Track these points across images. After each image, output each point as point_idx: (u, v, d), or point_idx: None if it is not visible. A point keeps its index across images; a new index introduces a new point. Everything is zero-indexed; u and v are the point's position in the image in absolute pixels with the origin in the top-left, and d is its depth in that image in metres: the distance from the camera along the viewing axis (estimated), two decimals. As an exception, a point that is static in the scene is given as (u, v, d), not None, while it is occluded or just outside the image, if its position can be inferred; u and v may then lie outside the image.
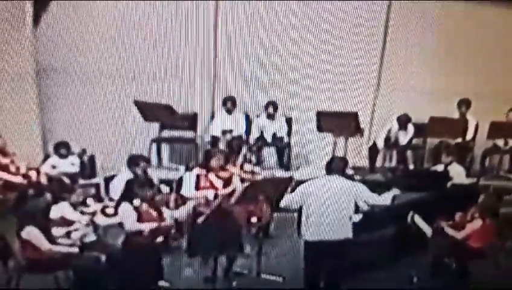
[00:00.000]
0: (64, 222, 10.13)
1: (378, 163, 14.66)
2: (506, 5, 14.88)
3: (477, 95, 14.68)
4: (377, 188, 10.72)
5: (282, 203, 10.08)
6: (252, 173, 12.15)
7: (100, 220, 10.51)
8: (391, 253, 11.36)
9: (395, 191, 10.45)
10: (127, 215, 9.60)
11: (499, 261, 11.03)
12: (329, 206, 9.64)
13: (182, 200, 10.97)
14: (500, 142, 14.59)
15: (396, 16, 14.95)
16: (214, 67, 14.82)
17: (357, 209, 10.02)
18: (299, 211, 10.01)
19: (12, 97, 13.77)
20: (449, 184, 12.53)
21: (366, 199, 9.86)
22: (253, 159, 13.40)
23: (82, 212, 10.51)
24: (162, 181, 11.55)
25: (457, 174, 12.85)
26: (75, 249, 9.86)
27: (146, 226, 9.57)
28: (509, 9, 14.92)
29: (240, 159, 12.34)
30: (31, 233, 9.56)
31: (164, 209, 10.02)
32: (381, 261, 11.12)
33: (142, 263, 9.54)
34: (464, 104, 14.65)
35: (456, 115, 14.72)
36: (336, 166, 9.97)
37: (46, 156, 13.40)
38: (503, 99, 14.74)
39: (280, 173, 13.55)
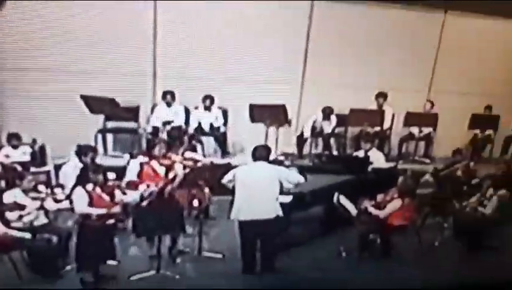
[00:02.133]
0: (17, 206, 9.59)
1: (306, 150, 14.55)
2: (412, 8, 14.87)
3: (393, 89, 14.70)
4: (305, 172, 10.70)
5: (223, 181, 9.96)
6: (193, 160, 11.73)
7: (50, 205, 10.03)
8: (321, 230, 11.23)
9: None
10: (80, 199, 9.21)
11: (419, 236, 10.98)
12: (255, 188, 9.59)
13: (128, 186, 10.51)
14: (415, 130, 14.64)
15: (317, 17, 14.74)
16: (154, 63, 14.43)
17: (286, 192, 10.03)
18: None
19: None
20: (370, 168, 12.41)
21: (287, 179, 9.73)
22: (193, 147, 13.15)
23: (33, 198, 9.98)
24: (108, 168, 11.05)
25: (377, 159, 12.85)
26: (27, 233, 9.42)
27: (97, 211, 9.20)
28: (414, 11, 14.94)
29: (182, 147, 11.91)
30: None
31: (116, 193, 9.62)
32: (312, 238, 10.99)
33: (95, 243, 9.17)
34: (381, 96, 14.65)
35: (374, 106, 14.65)
36: (259, 153, 9.89)
37: (0, 147, 12.84)
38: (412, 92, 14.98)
39: (218, 160, 13.20)
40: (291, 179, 9.80)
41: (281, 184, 9.70)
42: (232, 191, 9.92)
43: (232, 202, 9.89)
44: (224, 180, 9.89)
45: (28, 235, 9.37)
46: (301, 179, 9.94)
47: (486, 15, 15.05)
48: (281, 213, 9.60)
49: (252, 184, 9.60)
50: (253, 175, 9.69)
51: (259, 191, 9.55)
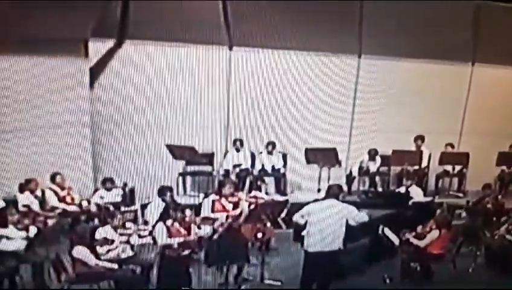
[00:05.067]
0: (106, 241, 9.32)
1: (354, 187, 13.98)
2: (450, 62, 14.22)
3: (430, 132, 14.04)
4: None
5: (294, 218, 9.31)
6: (256, 197, 11.29)
7: (135, 240, 9.72)
8: (367, 259, 10.51)
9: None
10: (161, 232, 8.97)
11: (454, 263, 10.36)
12: (326, 223, 8.96)
13: (204, 221, 10.15)
14: (448, 168, 13.91)
15: (364, 72, 14.25)
16: (227, 115, 14.15)
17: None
18: (297, 227, 9.49)
19: (70, 144, 13.10)
20: (410, 202, 11.87)
21: (354, 217, 9.09)
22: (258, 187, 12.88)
23: (121, 234, 9.70)
24: (187, 206, 10.68)
25: (417, 194, 12.26)
26: (115, 264, 9.10)
27: (175, 241, 8.93)
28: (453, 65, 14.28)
29: (246, 187, 11.48)
30: (80, 251, 8.89)
31: (192, 227, 9.35)
32: (360, 266, 10.30)
33: (173, 271, 8.89)
34: (419, 138, 13.98)
35: (413, 147, 13.99)
36: (333, 191, 9.27)
37: (96, 189, 12.66)
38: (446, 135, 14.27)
39: (278, 197, 12.69)
40: (358, 218, 9.13)
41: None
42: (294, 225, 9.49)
43: (295, 235, 9.50)
44: (297, 215, 9.22)
45: (115, 266, 9.04)
46: (365, 218, 9.25)
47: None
48: (342, 245, 9.00)
49: (323, 218, 8.97)
50: (326, 211, 9.01)
51: (329, 225, 8.93)
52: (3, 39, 11.60)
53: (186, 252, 8.99)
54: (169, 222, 9.00)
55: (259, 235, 9.93)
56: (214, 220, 10.28)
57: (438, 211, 10.53)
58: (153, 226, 9.47)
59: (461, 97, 14.61)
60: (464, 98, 14.63)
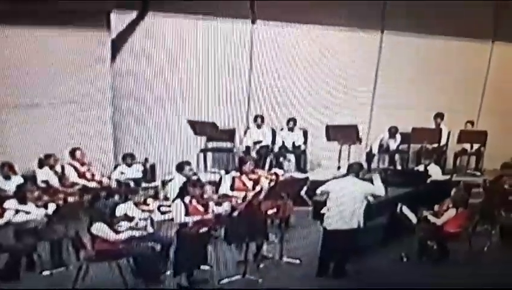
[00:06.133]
0: (127, 218, 9.28)
1: (374, 165, 13.79)
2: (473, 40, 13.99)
3: (449, 110, 13.89)
4: None
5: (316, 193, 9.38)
6: (276, 175, 11.23)
7: (156, 216, 9.69)
8: (385, 238, 10.39)
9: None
10: (177, 209, 8.81)
11: (470, 242, 10.19)
12: (346, 201, 8.94)
13: (223, 198, 10.17)
14: (467, 146, 13.74)
15: (386, 49, 14.13)
16: (248, 91, 14.09)
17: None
18: (316, 205, 9.53)
19: (91, 118, 13.08)
20: (429, 181, 11.74)
21: (373, 192, 9.19)
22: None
23: (142, 210, 9.65)
24: (207, 182, 10.65)
25: (435, 172, 12.10)
26: (135, 241, 9.06)
27: (191, 219, 8.80)
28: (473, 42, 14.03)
29: (267, 164, 11.42)
30: (99, 228, 8.81)
31: (211, 205, 9.23)
32: (378, 244, 10.21)
33: (190, 249, 8.76)
34: (439, 116, 13.82)
35: (432, 125, 13.82)
36: (353, 169, 9.27)
37: (116, 165, 12.68)
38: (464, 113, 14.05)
39: (298, 175, 12.59)
40: (377, 192, 9.20)
41: None
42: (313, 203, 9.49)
43: (315, 213, 9.44)
44: (318, 191, 9.29)
45: (135, 244, 9.01)
46: (383, 192, 9.28)
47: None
48: (362, 224, 8.98)
49: (343, 195, 8.95)
50: (346, 189, 8.99)
51: (348, 202, 8.91)
52: (24, 12, 11.62)
53: (204, 229, 8.92)
54: (187, 199, 8.90)
55: (278, 213, 9.86)
56: (233, 197, 10.30)
57: (455, 190, 10.20)
58: (171, 203, 9.39)
59: (481, 75, 14.40)
60: (483, 76, 14.41)
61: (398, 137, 13.69)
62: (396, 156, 13.80)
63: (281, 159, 13.29)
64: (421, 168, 12.29)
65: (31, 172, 11.64)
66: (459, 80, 14.12)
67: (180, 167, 10.56)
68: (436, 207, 10.09)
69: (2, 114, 12.13)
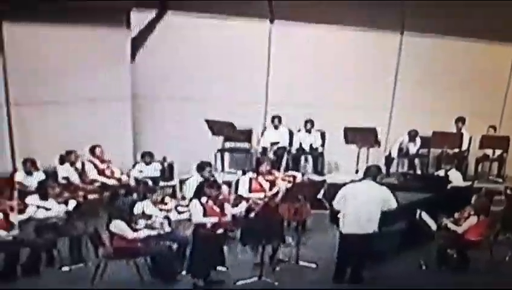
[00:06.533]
0: (144, 216, 9.26)
1: (393, 169, 13.63)
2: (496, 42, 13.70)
3: (471, 114, 13.60)
4: (392, 189, 9.53)
5: (334, 201, 9.04)
6: (293, 176, 11.05)
7: (173, 215, 9.63)
8: (404, 244, 10.16)
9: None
10: (195, 210, 8.63)
11: (492, 251, 9.88)
12: (362, 205, 8.72)
13: (239, 199, 9.96)
14: (489, 152, 13.47)
15: (406, 50, 13.91)
16: (266, 92, 14.01)
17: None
18: (333, 209, 9.24)
19: (111, 116, 13.16)
20: (449, 186, 11.49)
21: (388, 201, 8.86)
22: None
23: (160, 209, 9.62)
24: (224, 183, 10.54)
25: (456, 178, 11.83)
26: (152, 239, 9.00)
27: (210, 220, 8.62)
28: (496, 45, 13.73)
29: (283, 165, 11.25)
30: (118, 225, 8.75)
31: (226, 206, 9.04)
32: (395, 251, 9.99)
33: (207, 250, 8.62)
34: (460, 120, 13.53)
35: (453, 129, 13.55)
36: (371, 172, 9.00)
37: (135, 163, 12.63)
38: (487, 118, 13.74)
39: (315, 177, 12.50)
40: (391, 203, 8.87)
41: None
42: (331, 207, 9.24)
43: (331, 216, 9.31)
44: (335, 202, 9.00)
45: (153, 242, 8.96)
46: (395, 205, 8.97)
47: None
48: (377, 229, 8.76)
49: (361, 200, 8.73)
50: (362, 193, 8.78)
51: (366, 207, 8.69)
52: (46, 11, 11.60)
53: (221, 230, 8.77)
54: (204, 199, 8.75)
55: (295, 215, 9.63)
56: (250, 198, 10.17)
57: (476, 197, 9.90)
58: (188, 203, 9.19)
59: (504, 78, 14.13)
60: (506, 80, 14.12)
61: (418, 141, 13.50)
62: (416, 161, 13.61)
63: (304, 161, 13.23)
64: (441, 173, 12.04)
65: (52, 168, 11.68)
66: (481, 83, 13.90)
67: (200, 167, 10.42)
68: (456, 214, 9.81)
69: (24, 111, 12.19)
